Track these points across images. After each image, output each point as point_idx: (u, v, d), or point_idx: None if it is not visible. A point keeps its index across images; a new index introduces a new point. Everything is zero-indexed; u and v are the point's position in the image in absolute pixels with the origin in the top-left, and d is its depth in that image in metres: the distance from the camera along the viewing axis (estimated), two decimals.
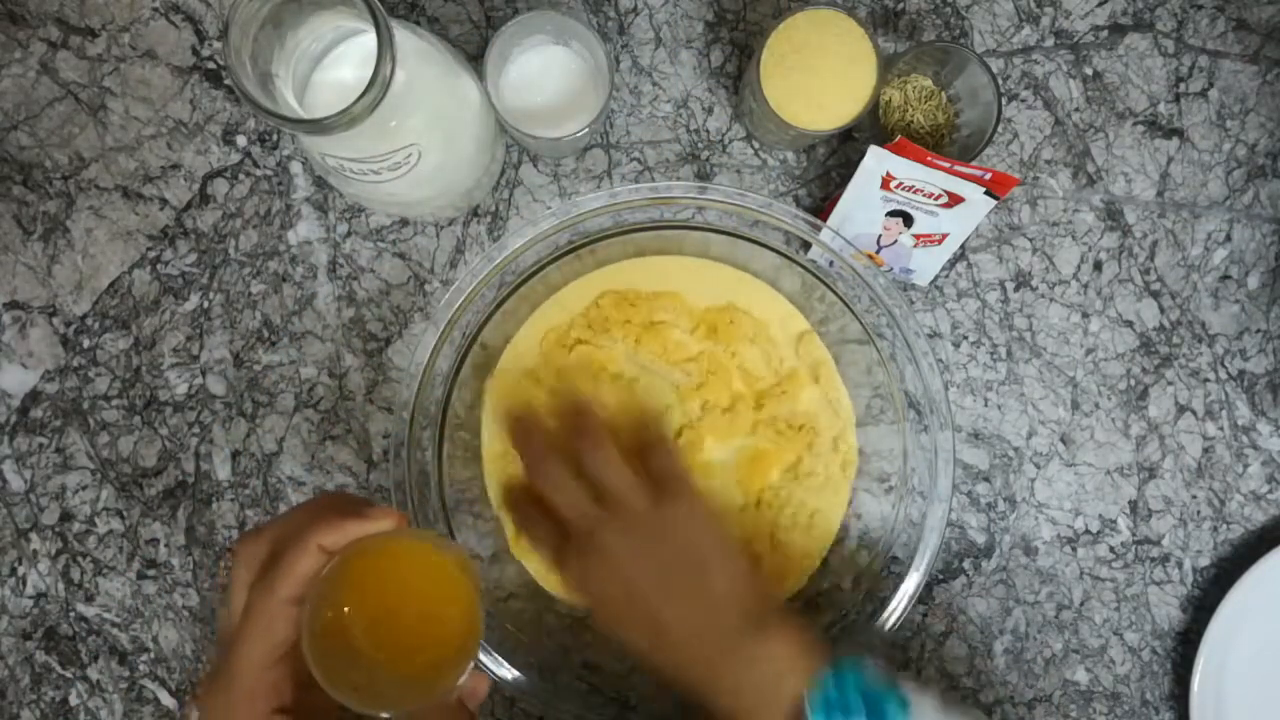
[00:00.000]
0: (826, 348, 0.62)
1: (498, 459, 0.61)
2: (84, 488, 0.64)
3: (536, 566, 0.61)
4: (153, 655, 0.64)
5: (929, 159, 0.56)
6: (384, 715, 0.38)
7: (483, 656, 0.55)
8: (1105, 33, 0.65)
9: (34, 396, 0.64)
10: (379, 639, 0.39)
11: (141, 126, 0.63)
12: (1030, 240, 0.65)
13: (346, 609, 0.38)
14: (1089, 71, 0.65)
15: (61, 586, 0.64)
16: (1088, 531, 0.65)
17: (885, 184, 0.58)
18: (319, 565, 0.38)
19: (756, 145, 0.65)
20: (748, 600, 0.49)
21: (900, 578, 0.57)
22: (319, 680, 0.37)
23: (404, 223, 0.64)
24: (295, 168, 0.64)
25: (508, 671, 0.56)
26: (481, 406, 0.61)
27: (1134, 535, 0.66)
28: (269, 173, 0.64)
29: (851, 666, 0.46)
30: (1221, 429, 0.66)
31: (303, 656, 0.37)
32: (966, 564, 0.65)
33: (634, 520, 0.50)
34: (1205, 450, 0.66)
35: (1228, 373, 0.66)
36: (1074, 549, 0.65)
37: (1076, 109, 0.65)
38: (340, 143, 0.45)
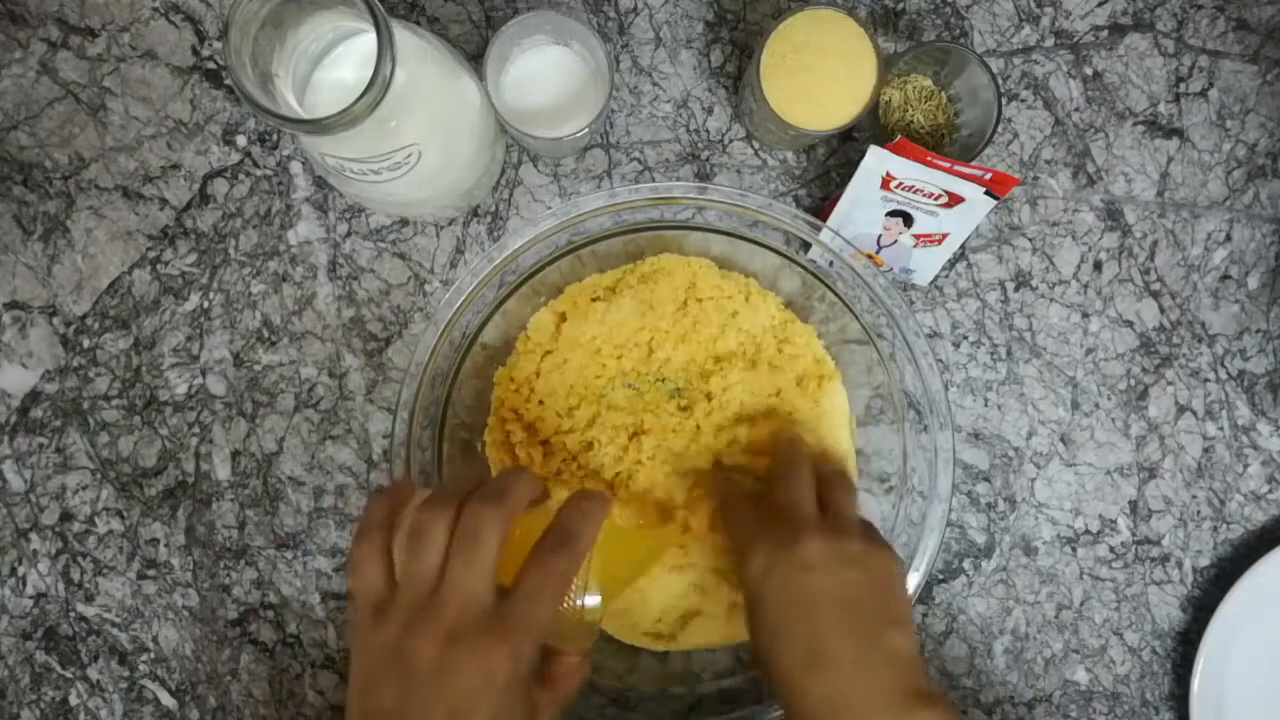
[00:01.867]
0: (826, 348, 0.62)
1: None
2: (84, 488, 0.64)
3: None
4: (153, 655, 0.64)
5: (929, 159, 0.56)
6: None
7: None
8: (1105, 33, 0.65)
9: (34, 396, 0.64)
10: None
11: (141, 126, 0.63)
12: (1030, 240, 0.65)
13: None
14: (1089, 71, 0.65)
15: (61, 586, 0.64)
16: (1088, 531, 0.65)
17: (885, 184, 0.58)
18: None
19: (756, 145, 0.65)
20: (915, 673, 0.47)
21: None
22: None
23: (404, 223, 0.64)
24: (295, 168, 0.64)
25: None
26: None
27: (1134, 535, 0.66)
28: (269, 173, 0.64)
29: None
30: (1221, 429, 0.66)
31: None
32: (966, 564, 0.65)
33: (847, 541, 0.49)
34: (1205, 450, 0.66)
35: (1228, 373, 0.66)
36: (1074, 549, 0.65)
37: (1076, 109, 0.65)
38: (340, 143, 0.45)
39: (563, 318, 0.61)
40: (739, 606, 0.59)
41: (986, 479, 0.65)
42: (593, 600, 0.44)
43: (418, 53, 0.47)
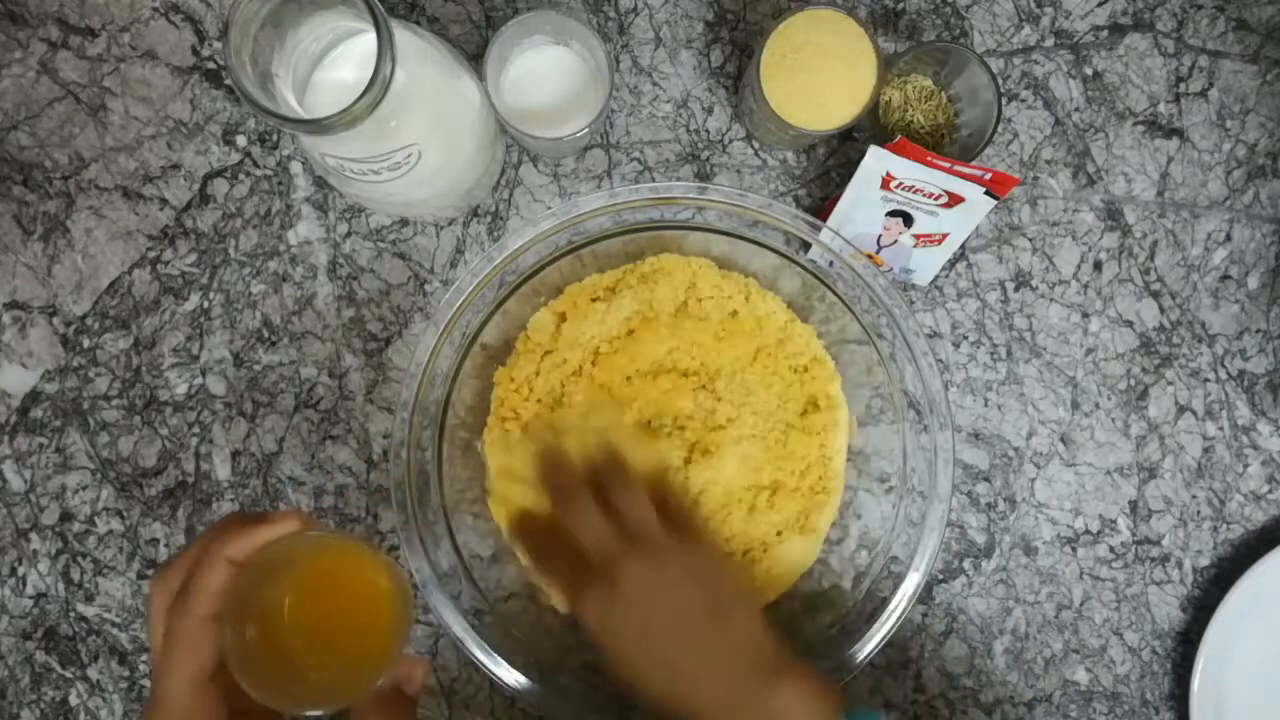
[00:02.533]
0: (826, 348, 0.62)
1: (502, 480, 0.61)
2: (84, 488, 0.64)
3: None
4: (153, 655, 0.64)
5: (929, 159, 0.56)
6: (318, 714, 0.39)
7: (482, 656, 0.55)
8: (1105, 33, 0.65)
9: (34, 396, 0.64)
10: (301, 639, 0.39)
11: (141, 126, 0.63)
12: (1030, 240, 0.65)
13: (264, 614, 0.39)
14: (1089, 71, 0.65)
15: (61, 586, 0.64)
16: (1088, 531, 0.65)
17: (885, 184, 0.58)
18: (230, 578, 0.39)
19: (756, 145, 0.65)
20: (765, 647, 0.48)
21: (900, 578, 0.57)
22: (246, 687, 0.37)
23: (404, 223, 0.64)
24: (295, 168, 0.64)
25: (508, 671, 0.56)
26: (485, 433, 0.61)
27: (1134, 535, 0.66)
28: (269, 173, 0.64)
29: (867, 718, 0.46)
30: (1221, 429, 0.66)
31: (230, 672, 0.37)
32: (966, 564, 0.65)
33: (658, 555, 0.49)
34: (1205, 450, 0.66)
35: (1228, 373, 0.66)
36: (1074, 549, 0.65)
37: (1076, 109, 0.65)
38: (340, 143, 0.45)
39: (562, 318, 0.61)
40: None
41: (986, 479, 0.65)
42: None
43: (418, 53, 0.47)
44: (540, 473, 0.55)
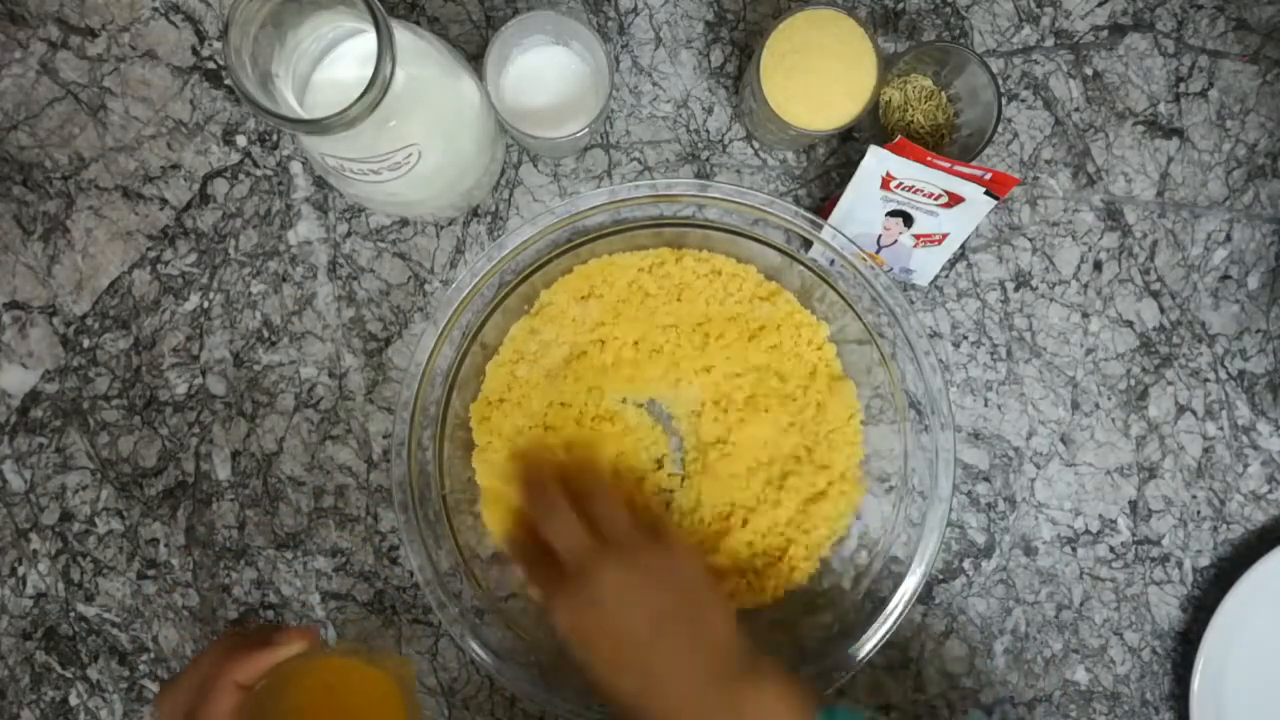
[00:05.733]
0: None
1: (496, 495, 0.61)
2: (84, 488, 0.64)
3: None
4: (153, 655, 0.64)
5: (929, 159, 0.56)
6: None
7: (484, 655, 0.55)
8: (1105, 33, 0.65)
9: (34, 396, 0.64)
10: None
11: (141, 126, 0.63)
12: (1030, 240, 0.65)
13: None
14: (1089, 71, 0.65)
15: (61, 586, 0.64)
16: (1088, 531, 0.65)
17: (885, 184, 0.58)
18: (239, 701, 0.40)
19: (756, 145, 0.65)
20: (736, 648, 0.48)
21: (900, 578, 0.57)
22: None
23: (404, 223, 0.64)
24: (295, 168, 0.64)
25: (508, 671, 0.56)
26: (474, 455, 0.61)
27: (1134, 535, 0.66)
28: (269, 173, 0.64)
29: (843, 716, 0.46)
30: (1221, 429, 0.66)
31: None
32: (966, 564, 0.65)
33: (629, 557, 0.49)
34: (1205, 450, 0.66)
35: (1228, 373, 0.66)
36: (1074, 549, 0.65)
37: (1076, 109, 0.65)
38: (340, 143, 0.45)
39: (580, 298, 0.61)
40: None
41: (986, 479, 0.65)
42: None
43: (418, 53, 0.47)
44: (518, 478, 0.56)
